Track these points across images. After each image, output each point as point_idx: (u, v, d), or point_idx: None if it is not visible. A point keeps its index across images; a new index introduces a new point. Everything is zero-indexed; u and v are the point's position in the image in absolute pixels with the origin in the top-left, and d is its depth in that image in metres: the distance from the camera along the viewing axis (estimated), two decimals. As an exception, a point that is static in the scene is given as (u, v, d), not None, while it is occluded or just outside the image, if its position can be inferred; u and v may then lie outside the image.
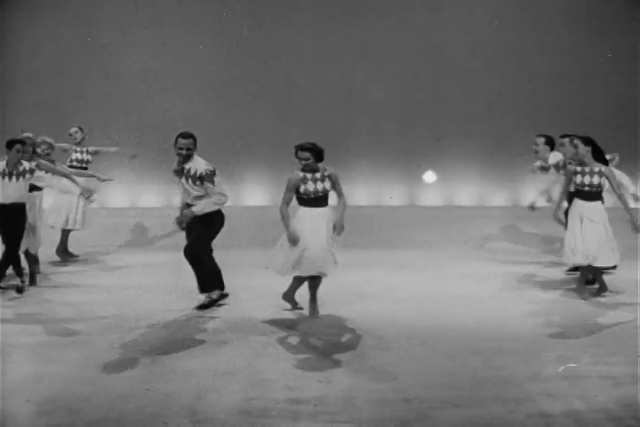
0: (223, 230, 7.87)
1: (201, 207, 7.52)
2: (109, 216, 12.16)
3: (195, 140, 7.54)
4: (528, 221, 10.80)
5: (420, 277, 9.35)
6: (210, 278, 7.72)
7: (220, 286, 7.81)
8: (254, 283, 8.60)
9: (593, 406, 5.33)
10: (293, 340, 6.88)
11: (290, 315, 7.63)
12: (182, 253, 7.70)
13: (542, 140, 9.84)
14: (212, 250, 7.77)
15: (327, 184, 7.47)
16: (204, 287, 7.74)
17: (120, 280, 9.26)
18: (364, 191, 12.06)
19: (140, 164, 12.40)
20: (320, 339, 6.89)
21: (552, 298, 8.35)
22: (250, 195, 12.57)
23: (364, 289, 8.41)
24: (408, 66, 12.82)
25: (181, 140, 7.50)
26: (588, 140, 8.19)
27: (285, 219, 7.36)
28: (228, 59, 12.77)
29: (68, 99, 12.57)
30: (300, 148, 7.37)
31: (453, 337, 6.90)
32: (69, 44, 12.66)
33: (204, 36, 12.74)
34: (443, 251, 10.94)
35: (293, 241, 7.30)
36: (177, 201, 12.41)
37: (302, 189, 7.44)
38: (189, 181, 7.58)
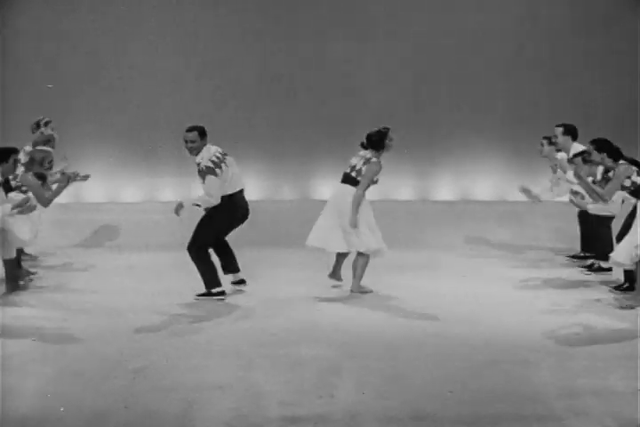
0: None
1: (190, 200, 8.15)
2: (84, 211, 12.04)
3: (200, 132, 8.10)
4: (551, 218, 10.68)
5: (431, 279, 9.27)
6: (206, 280, 8.25)
7: (216, 284, 8.29)
8: (245, 286, 8.60)
9: (625, 424, 5.26)
10: (290, 349, 6.76)
11: (285, 321, 7.57)
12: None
13: (560, 129, 9.79)
14: (208, 245, 8.27)
15: None
16: (205, 286, 8.28)
17: (94, 283, 9.12)
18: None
19: (120, 155, 12.35)
20: (320, 348, 6.78)
21: (578, 303, 8.27)
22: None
23: (372, 294, 8.40)
24: (420, 50, 12.64)
25: (185, 134, 8.15)
26: (600, 146, 8.27)
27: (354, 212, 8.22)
28: (224, 51, 12.57)
29: (55, 93, 12.43)
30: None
31: (469, 346, 6.82)
32: (65, 37, 12.48)
33: (198, 29, 12.56)
34: (456, 250, 10.86)
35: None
36: (160, 196, 12.63)
37: (375, 177, 8.36)
38: (198, 173, 8.09)
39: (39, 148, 9.22)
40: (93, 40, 12.46)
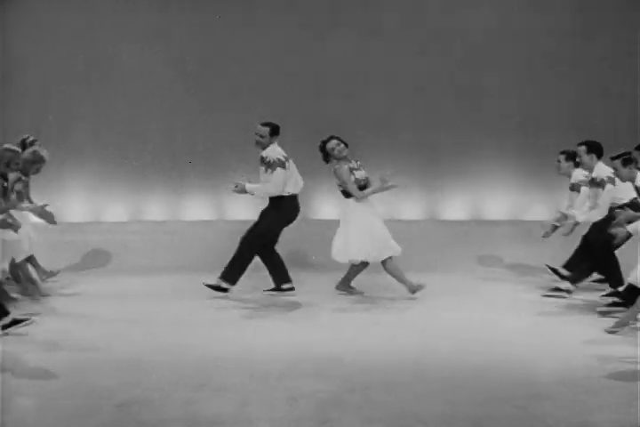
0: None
1: (252, 187, 9.15)
2: (68, 232, 11.88)
3: (272, 129, 9.15)
4: (567, 239, 10.46)
5: (440, 305, 9.19)
6: (229, 270, 9.17)
7: (233, 280, 9.20)
8: (242, 311, 8.60)
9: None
10: (288, 382, 6.60)
11: (283, 352, 7.43)
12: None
13: (584, 148, 9.62)
14: (263, 245, 9.28)
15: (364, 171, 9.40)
16: (223, 274, 9.20)
17: (77, 310, 9.03)
18: (375, 203, 11.80)
19: (104, 169, 12.35)
20: (319, 380, 6.61)
21: (601, 330, 8.11)
22: (234, 207, 12.44)
23: (375, 319, 8.33)
24: (425, 56, 12.68)
25: (258, 127, 9.21)
26: None
27: (367, 191, 9.15)
28: (213, 50, 12.65)
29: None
30: (338, 138, 9.21)
31: (482, 379, 6.66)
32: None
33: (179, 27, 12.67)
34: (467, 273, 10.81)
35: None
36: (147, 215, 12.60)
37: (353, 178, 9.16)
38: (260, 166, 9.15)
39: (7, 146, 9.06)
40: (87, 46, 12.61)
